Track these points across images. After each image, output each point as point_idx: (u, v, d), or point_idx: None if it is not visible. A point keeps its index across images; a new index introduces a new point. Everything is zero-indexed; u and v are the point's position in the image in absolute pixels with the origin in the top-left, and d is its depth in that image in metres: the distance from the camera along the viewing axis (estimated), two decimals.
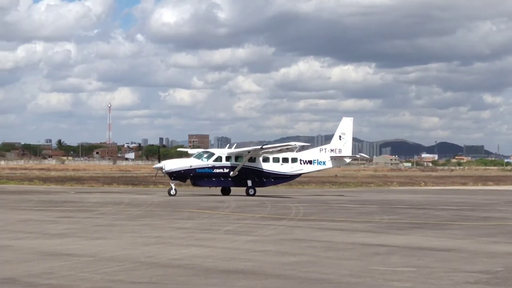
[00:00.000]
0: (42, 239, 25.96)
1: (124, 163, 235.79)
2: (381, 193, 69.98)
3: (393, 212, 42.65)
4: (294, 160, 63.46)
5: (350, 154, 68.49)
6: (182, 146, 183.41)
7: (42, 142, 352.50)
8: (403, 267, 19.57)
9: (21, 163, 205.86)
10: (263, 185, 62.89)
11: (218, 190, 62.72)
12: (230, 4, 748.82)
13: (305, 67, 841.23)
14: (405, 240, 26.50)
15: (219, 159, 60.63)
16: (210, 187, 62.30)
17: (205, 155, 61.04)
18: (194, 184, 61.59)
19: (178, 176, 59.80)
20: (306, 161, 64.09)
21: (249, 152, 61.51)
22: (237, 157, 61.39)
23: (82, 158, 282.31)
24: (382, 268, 19.24)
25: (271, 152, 61.78)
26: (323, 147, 67.48)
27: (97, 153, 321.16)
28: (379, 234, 29.26)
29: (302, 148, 66.67)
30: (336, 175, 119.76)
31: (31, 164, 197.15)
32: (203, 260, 20.43)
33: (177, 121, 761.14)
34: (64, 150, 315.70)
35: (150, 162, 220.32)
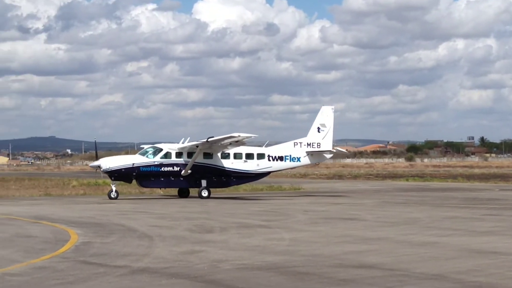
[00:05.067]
0: (468, 236, 25.95)
1: None
2: None
3: None
4: (260, 156, 54.50)
5: (331, 149, 57.68)
6: None
7: (464, 139, 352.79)
8: None
9: (444, 160, 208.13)
10: (223, 185, 54.33)
11: (174, 191, 55.27)
12: None
13: None
14: None
15: (167, 155, 52.07)
16: (160, 188, 54.98)
17: (151, 151, 52.44)
18: (140, 184, 53.07)
19: (120, 175, 51.44)
20: (275, 157, 54.86)
21: (197, 146, 51.92)
22: (190, 153, 52.21)
23: (505, 155, 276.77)
24: None
25: (223, 146, 51.88)
26: (298, 140, 56.65)
27: None
28: None
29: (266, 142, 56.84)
30: None
31: (454, 161, 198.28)
32: None
33: None
34: (487, 147, 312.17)
35: None
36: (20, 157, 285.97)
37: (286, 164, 55.51)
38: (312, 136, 56.36)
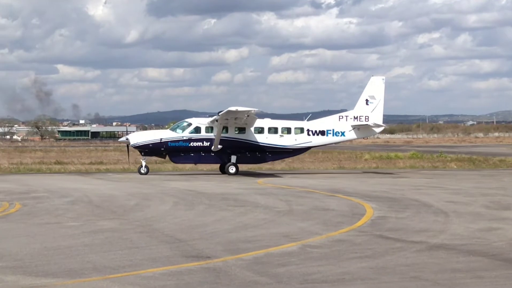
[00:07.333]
0: None
1: None
2: None
3: None
4: (299, 130, 51.74)
5: (381, 122, 52.91)
6: None
7: None
8: None
9: None
10: (258, 161, 52.08)
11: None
12: None
13: None
14: None
15: (197, 130, 50.08)
16: (195, 163, 52.10)
17: (181, 126, 50.71)
18: (171, 160, 51.71)
19: (149, 151, 50.34)
20: (316, 131, 51.80)
21: (216, 120, 48.97)
22: (222, 127, 49.54)
23: None
24: None
25: (249, 121, 49.31)
26: (344, 114, 52.97)
27: None
28: None
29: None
30: None
31: None
32: None
33: None
34: None
35: None
36: None
37: (328, 138, 52.77)
38: (360, 108, 52.95)
